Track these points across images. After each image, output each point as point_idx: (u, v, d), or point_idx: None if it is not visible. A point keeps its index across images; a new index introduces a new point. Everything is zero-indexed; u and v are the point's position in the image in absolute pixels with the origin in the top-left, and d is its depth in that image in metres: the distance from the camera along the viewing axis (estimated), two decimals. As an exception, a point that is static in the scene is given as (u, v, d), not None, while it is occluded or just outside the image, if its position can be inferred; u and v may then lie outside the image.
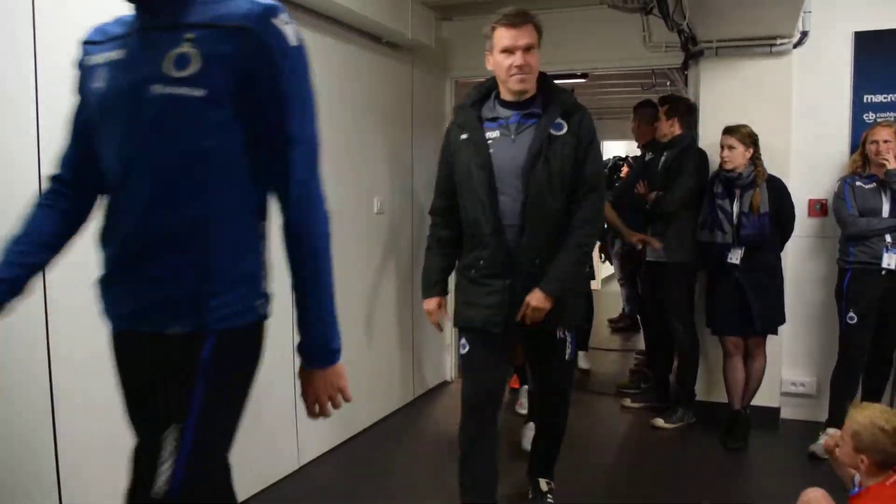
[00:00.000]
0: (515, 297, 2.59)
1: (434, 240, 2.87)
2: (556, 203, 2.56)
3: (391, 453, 3.82)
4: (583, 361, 5.21)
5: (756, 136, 3.80)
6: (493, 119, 2.62)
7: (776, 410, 4.19)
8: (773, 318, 3.87)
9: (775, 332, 3.92)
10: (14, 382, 2.14)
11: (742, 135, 3.77)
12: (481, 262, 2.63)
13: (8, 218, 1.60)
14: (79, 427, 2.30)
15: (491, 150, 2.57)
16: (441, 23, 4.80)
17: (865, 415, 2.17)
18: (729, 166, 3.81)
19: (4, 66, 2.09)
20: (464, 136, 2.64)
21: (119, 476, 2.44)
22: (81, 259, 2.27)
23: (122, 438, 2.43)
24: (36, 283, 2.16)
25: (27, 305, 2.15)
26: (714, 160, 4.07)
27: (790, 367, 4.23)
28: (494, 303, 2.60)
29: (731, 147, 3.79)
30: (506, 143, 2.58)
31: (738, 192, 3.81)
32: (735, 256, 3.82)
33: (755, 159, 3.80)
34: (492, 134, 2.60)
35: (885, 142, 3.57)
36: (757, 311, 3.79)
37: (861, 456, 2.13)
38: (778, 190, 3.81)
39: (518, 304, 2.59)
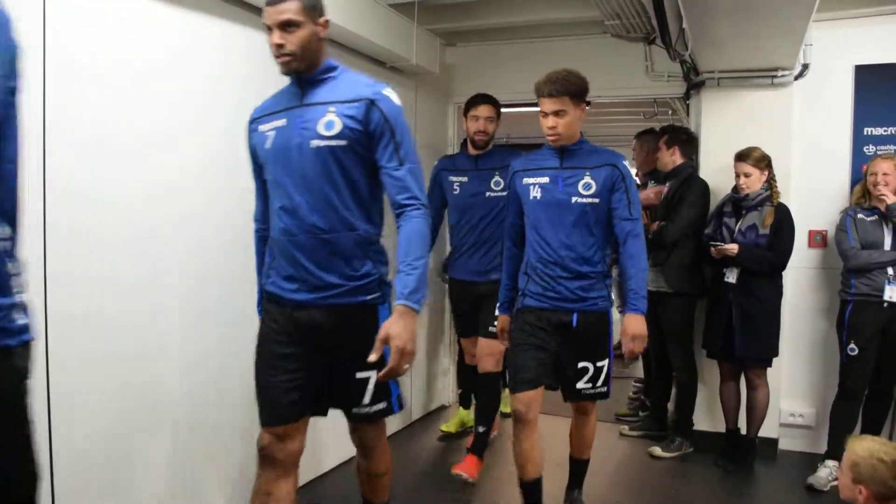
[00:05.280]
0: None
1: None
2: None
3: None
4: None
5: (769, 157, 3.83)
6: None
7: (775, 441, 4.17)
8: (758, 347, 3.83)
9: (762, 363, 3.89)
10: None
11: (755, 159, 3.80)
12: None
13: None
14: (75, 429, 2.29)
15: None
16: (445, 49, 4.85)
17: (864, 446, 2.16)
18: (746, 192, 3.84)
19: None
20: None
21: (112, 478, 2.44)
22: (81, 262, 2.29)
23: (117, 440, 2.44)
24: (35, 285, 2.17)
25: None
26: (715, 188, 4.10)
27: (789, 398, 4.21)
28: None
29: (746, 175, 3.82)
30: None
31: (743, 212, 3.85)
32: (731, 275, 3.84)
33: (770, 180, 3.83)
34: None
35: (885, 174, 3.59)
36: (739, 336, 3.80)
37: (860, 487, 2.11)
38: (780, 214, 3.81)
39: None
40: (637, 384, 5.08)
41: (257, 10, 3.06)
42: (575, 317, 2.89)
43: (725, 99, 4.21)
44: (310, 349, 2.23)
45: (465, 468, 3.66)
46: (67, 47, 2.23)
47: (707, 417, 4.23)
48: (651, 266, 4.15)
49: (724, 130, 4.19)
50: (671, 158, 4.20)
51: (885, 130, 4.02)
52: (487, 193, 3.86)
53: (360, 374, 2.21)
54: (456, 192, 3.97)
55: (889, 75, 3.99)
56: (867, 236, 3.63)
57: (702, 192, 4.09)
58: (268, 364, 2.25)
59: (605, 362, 2.96)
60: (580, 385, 2.94)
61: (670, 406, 4.44)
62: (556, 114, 2.78)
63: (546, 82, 2.77)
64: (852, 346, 3.63)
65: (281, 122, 2.20)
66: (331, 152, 2.13)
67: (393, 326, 2.05)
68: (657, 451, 4.15)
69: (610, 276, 3.00)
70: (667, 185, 4.20)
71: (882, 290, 3.56)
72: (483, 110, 3.88)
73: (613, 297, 3.05)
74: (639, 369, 5.45)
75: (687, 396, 4.19)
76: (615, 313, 3.14)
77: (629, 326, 2.83)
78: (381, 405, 2.28)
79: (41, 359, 2.20)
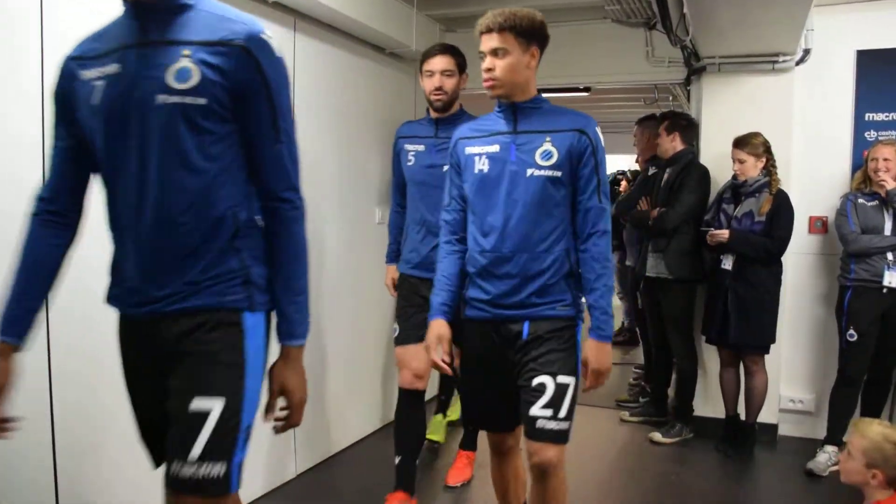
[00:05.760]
0: None
1: None
2: None
3: (383, 466, 3.79)
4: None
5: (768, 143, 3.82)
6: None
7: (774, 427, 4.19)
8: (753, 334, 3.83)
9: (758, 350, 3.89)
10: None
11: (752, 146, 3.80)
12: None
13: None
14: (77, 427, 2.30)
15: None
16: (445, 34, 4.82)
17: (877, 431, 2.16)
18: (742, 178, 3.84)
19: (10, 66, 2.10)
20: None
21: (115, 477, 2.45)
22: (82, 256, 2.29)
23: (118, 439, 2.44)
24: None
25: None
26: (715, 174, 4.09)
27: (789, 383, 4.22)
28: None
29: (741, 161, 3.83)
30: None
31: (742, 198, 3.85)
32: (727, 262, 3.85)
33: (770, 167, 3.83)
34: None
35: (885, 160, 3.58)
36: (735, 323, 3.81)
37: (874, 471, 2.12)
38: (779, 201, 3.81)
39: None
40: (637, 370, 5.09)
41: (256, 7, 3.05)
42: (526, 327, 2.24)
43: (726, 84, 4.20)
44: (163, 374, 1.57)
45: (457, 475, 3.55)
46: (65, 50, 2.22)
47: (707, 403, 4.24)
48: (652, 252, 4.16)
49: (724, 116, 4.18)
50: (671, 145, 4.19)
51: (886, 116, 4.00)
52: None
53: (196, 404, 1.49)
54: (410, 164, 3.24)
55: (891, 60, 3.97)
56: (868, 221, 3.63)
57: (702, 178, 4.09)
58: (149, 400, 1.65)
59: (571, 381, 2.21)
60: (535, 412, 2.17)
61: (670, 392, 4.45)
62: (495, 53, 2.19)
63: (485, 16, 2.20)
64: (851, 331, 3.64)
65: (113, 69, 1.52)
66: (183, 113, 1.49)
67: (285, 374, 1.60)
68: (657, 436, 4.17)
69: (577, 274, 2.29)
70: (667, 171, 4.19)
71: (881, 276, 3.56)
72: (438, 62, 3.13)
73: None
74: (639, 355, 5.47)
75: (687, 382, 4.20)
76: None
77: (591, 357, 2.20)
78: (217, 469, 1.50)
79: (42, 357, 2.21)
